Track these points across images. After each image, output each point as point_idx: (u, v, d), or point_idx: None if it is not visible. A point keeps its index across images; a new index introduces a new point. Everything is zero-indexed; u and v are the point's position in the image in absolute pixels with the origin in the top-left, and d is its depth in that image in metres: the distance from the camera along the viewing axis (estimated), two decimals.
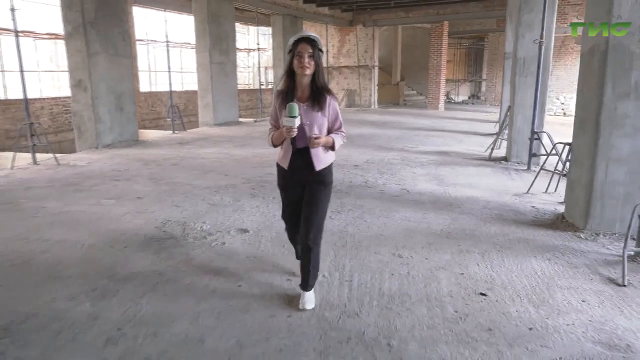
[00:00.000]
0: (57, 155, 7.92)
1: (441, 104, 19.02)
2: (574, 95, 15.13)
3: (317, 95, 2.75)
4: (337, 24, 19.22)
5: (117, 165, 7.52)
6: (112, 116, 9.37)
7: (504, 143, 8.37)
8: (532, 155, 6.99)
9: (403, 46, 23.10)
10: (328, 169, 2.91)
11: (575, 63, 20.86)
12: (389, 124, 13.51)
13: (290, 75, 2.76)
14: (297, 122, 2.61)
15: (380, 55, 20.91)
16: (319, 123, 2.78)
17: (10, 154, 10.60)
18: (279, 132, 2.77)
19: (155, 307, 2.93)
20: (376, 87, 20.14)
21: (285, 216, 3.09)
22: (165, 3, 12.63)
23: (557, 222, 4.61)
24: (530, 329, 2.70)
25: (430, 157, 8.28)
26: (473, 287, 3.22)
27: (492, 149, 8.20)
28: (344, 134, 2.91)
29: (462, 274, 3.43)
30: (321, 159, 2.84)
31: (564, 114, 17.70)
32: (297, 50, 2.68)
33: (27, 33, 12.61)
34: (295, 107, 2.59)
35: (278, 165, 2.96)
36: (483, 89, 26.97)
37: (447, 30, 19.01)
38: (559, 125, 12.65)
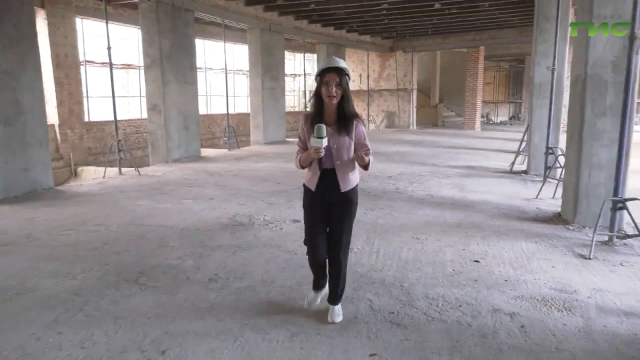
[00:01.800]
0: (139, 168, 9.46)
1: (477, 125, 19.83)
2: None
3: (344, 120, 2.85)
4: (377, 50, 20.54)
5: (187, 175, 8.95)
6: (180, 135, 10.94)
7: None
8: (548, 167, 7.88)
9: (442, 69, 24.13)
10: (354, 190, 3.00)
11: None
12: (425, 143, 14.53)
13: (318, 99, 2.86)
14: (325, 142, 2.71)
15: (419, 78, 22.01)
16: (347, 146, 2.87)
17: (92, 168, 12.46)
18: (307, 154, 2.84)
19: (238, 264, 4.16)
20: (415, 109, 21.20)
21: (309, 238, 3.07)
22: (222, 35, 14.24)
23: (554, 219, 5.57)
24: (506, 280, 3.74)
25: (457, 170, 9.28)
26: (470, 257, 4.28)
27: (514, 163, 9.12)
28: (371, 158, 2.95)
29: (464, 249, 4.49)
30: (347, 180, 2.93)
31: None
32: (324, 79, 2.77)
33: (105, 64, 14.56)
34: (324, 128, 2.70)
35: (305, 186, 3.04)
36: (523, 109, 27.49)
37: (484, 55, 19.94)
38: None
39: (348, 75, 2.82)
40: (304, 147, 2.96)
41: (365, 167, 2.90)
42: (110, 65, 9.00)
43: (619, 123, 4.58)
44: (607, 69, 4.89)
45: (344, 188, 2.92)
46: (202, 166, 10.11)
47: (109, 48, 8.85)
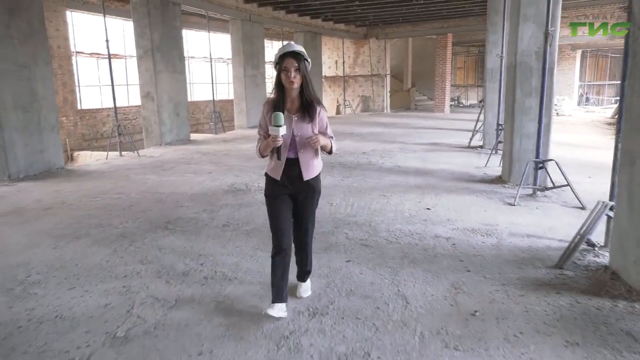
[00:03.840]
0: (136, 150, 10.42)
1: (447, 108, 21.18)
2: (565, 97, 17.55)
3: (307, 106, 2.82)
4: (352, 38, 21.64)
5: (182, 155, 9.97)
6: (171, 120, 11.90)
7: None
8: (499, 142, 9.16)
9: (414, 55, 25.39)
10: (317, 179, 2.97)
11: (571, 67, 22.83)
12: (397, 125, 15.78)
13: (279, 87, 2.80)
14: (282, 130, 2.65)
15: (392, 64, 23.23)
16: (309, 134, 2.82)
17: (88, 153, 13.33)
18: (266, 143, 2.78)
19: (243, 215, 5.29)
20: (388, 94, 22.43)
21: (274, 227, 2.93)
22: (206, 26, 15.09)
23: (495, 180, 6.86)
24: (448, 220, 4.98)
25: (423, 146, 10.54)
26: (424, 206, 5.51)
27: (471, 139, 10.41)
28: (334, 144, 2.99)
29: (420, 202, 5.72)
30: (310, 168, 2.89)
31: (557, 114, 19.62)
32: (283, 65, 2.73)
33: (94, 54, 15.30)
34: (281, 116, 2.66)
35: (267, 176, 2.98)
36: None
37: (453, 41, 21.24)
38: None
39: (307, 60, 2.78)
40: (265, 134, 2.89)
41: (329, 152, 2.97)
42: (109, 56, 9.90)
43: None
44: (532, 58, 6.13)
45: (307, 176, 2.88)
46: (194, 148, 11.12)
47: (107, 41, 9.74)
